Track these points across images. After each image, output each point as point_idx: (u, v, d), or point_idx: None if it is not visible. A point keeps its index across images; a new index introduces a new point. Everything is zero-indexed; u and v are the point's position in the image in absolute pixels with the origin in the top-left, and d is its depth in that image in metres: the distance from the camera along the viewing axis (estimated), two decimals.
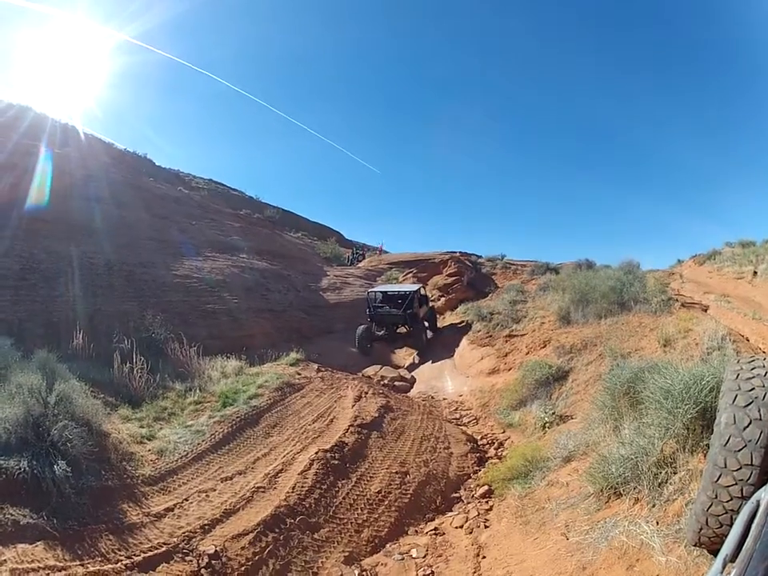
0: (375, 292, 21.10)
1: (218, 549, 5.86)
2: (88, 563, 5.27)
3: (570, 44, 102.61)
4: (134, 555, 5.55)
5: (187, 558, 5.69)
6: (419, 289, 21.31)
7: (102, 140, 25.50)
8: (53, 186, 16.32)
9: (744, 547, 2.01)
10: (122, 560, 5.43)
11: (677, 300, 14.10)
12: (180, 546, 5.84)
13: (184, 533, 6.08)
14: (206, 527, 6.27)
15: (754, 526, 2.15)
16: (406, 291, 20.52)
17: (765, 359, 3.63)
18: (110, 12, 44.67)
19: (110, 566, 5.30)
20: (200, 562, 5.64)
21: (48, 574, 4.92)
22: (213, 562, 5.68)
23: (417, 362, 18.68)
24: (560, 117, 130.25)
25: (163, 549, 5.73)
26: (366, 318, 19.92)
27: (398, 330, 20.44)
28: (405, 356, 19.67)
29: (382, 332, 20.17)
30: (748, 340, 10.22)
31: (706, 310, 13.95)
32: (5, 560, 4.86)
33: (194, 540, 5.99)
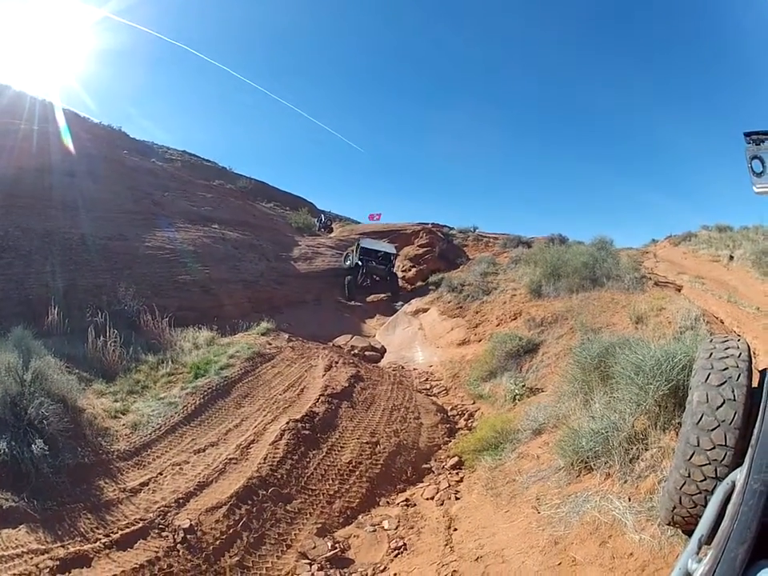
0: (367, 248, 24.02)
1: (192, 523, 5.87)
2: (68, 544, 5.30)
3: (556, 25, 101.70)
4: (112, 533, 5.58)
5: (163, 534, 5.70)
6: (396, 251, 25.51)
7: (78, 115, 24.71)
8: (31, 163, 15.96)
9: (720, 529, 2.02)
10: (100, 539, 5.46)
11: (650, 278, 14.23)
12: (156, 521, 5.85)
13: (159, 507, 6.09)
14: (181, 501, 6.28)
15: (729, 507, 2.16)
16: (391, 253, 24.58)
17: (739, 340, 3.66)
18: None
19: (89, 545, 5.33)
20: (176, 537, 5.65)
21: (32, 558, 4.96)
22: (188, 536, 5.69)
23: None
24: (539, 94, 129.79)
25: (139, 525, 5.75)
26: (346, 272, 23.42)
27: (378, 280, 23.61)
28: (375, 325, 19.74)
29: (368, 281, 23.29)
30: (722, 322, 10.37)
31: (679, 290, 14.09)
32: None
33: (169, 515, 6.00)
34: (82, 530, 5.54)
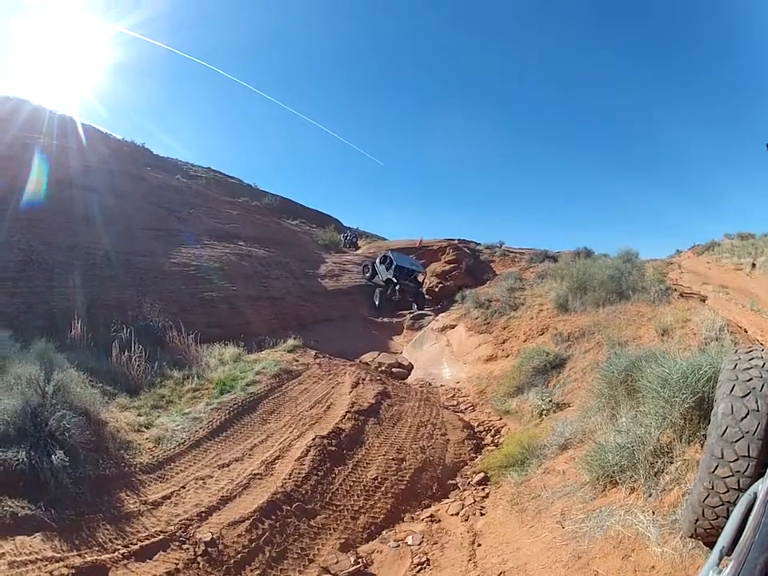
0: (400, 266, 24.56)
1: (214, 536, 5.86)
2: (85, 553, 5.28)
3: (572, 31, 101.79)
4: (131, 544, 5.56)
5: (184, 546, 5.70)
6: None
7: (100, 131, 25.06)
8: (52, 177, 16.13)
9: (741, 539, 1.99)
10: (119, 549, 5.45)
11: (675, 290, 14.10)
12: (177, 533, 5.85)
13: (181, 520, 6.08)
14: (203, 514, 6.28)
15: (751, 517, 2.13)
16: (419, 270, 26.08)
17: (763, 350, 3.61)
18: (106, 3, 43.87)
19: (107, 555, 5.31)
20: (196, 549, 5.65)
21: (45, 565, 4.94)
22: (209, 549, 5.69)
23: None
24: (562, 105, 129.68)
25: (160, 537, 5.74)
26: (374, 285, 24.59)
27: (405, 296, 24.05)
28: (402, 342, 19.75)
29: (396, 295, 23.71)
30: (746, 331, 10.22)
31: (704, 301, 13.91)
32: (3, 552, 4.89)
33: (190, 528, 6.00)
34: (100, 540, 5.54)
